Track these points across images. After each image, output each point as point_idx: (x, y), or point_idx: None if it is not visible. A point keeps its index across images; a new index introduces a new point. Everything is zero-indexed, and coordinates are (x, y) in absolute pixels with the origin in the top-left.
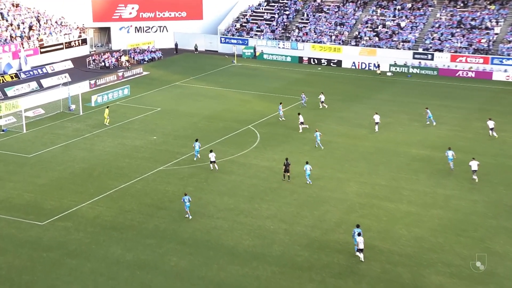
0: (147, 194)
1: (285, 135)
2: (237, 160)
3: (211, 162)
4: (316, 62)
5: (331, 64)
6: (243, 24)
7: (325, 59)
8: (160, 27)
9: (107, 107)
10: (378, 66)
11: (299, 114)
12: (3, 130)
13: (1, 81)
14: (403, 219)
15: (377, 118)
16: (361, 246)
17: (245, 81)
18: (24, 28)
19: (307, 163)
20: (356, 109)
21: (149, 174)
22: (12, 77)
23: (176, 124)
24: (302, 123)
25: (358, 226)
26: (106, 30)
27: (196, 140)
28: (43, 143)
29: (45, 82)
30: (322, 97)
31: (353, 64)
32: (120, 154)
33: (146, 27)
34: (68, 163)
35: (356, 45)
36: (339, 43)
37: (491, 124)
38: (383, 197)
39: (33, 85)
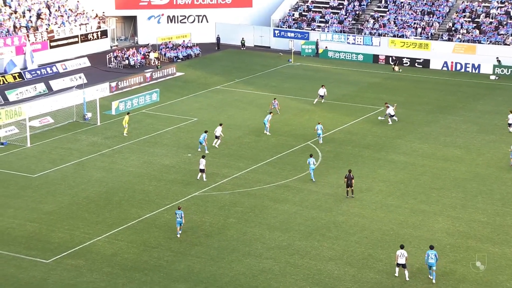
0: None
1: (353, 154)
2: (292, 185)
3: (200, 170)
4: (396, 61)
5: (416, 64)
6: (303, 13)
7: (407, 58)
8: (198, 16)
9: (128, 113)
10: (396, 62)
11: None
12: (2, 144)
13: (2, 82)
14: (511, 267)
15: None
16: (402, 261)
17: (304, 86)
18: (30, 16)
19: (311, 156)
20: (447, 122)
21: (181, 201)
22: (15, 78)
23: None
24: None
25: (431, 248)
26: (132, 20)
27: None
28: (51, 160)
29: (55, 84)
30: (322, 91)
31: (445, 65)
32: (145, 175)
33: (181, 16)
34: (82, 186)
35: (449, 40)
36: (427, 37)
37: None
38: (483, 237)
39: (41, 87)
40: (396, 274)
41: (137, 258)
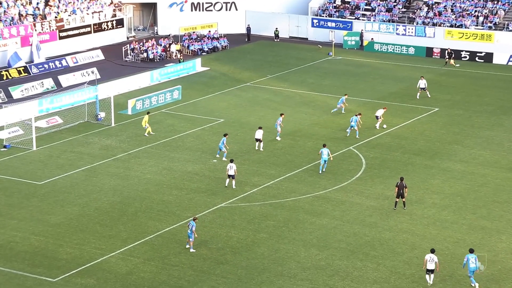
0: (203, 241)
1: (402, 161)
2: (332, 196)
3: (229, 176)
4: (453, 55)
5: (477, 58)
6: (346, 0)
7: (467, 51)
8: (226, 3)
9: (148, 112)
10: (450, 55)
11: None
12: (5, 147)
13: (5, 77)
14: None
15: None
16: (431, 266)
17: (347, 83)
18: (38, 3)
19: (324, 146)
20: None
21: (205, 213)
22: (20, 72)
23: (245, 142)
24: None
25: (471, 252)
26: (151, 8)
27: (225, 135)
28: (59, 166)
29: (65, 80)
30: (380, 112)
31: (511, 59)
32: (165, 183)
33: (206, 3)
34: (93, 195)
35: None
36: (490, 27)
37: None
38: None
39: (48, 83)
40: (430, 282)
41: (155, 278)
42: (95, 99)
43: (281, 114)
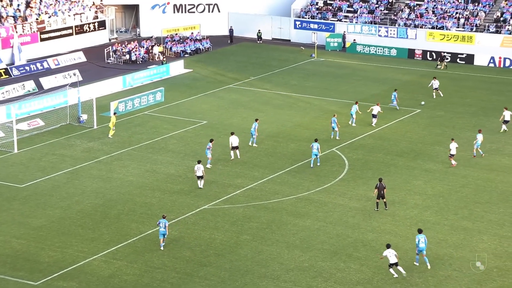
0: (185, 243)
1: (385, 163)
2: (315, 197)
3: (198, 177)
4: (434, 57)
5: (458, 60)
6: (328, 2)
7: (449, 53)
8: (209, 5)
9: (115, 113)
10: (443, 58)
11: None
12: None
13: None
14: None
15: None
16: (394, 260)
17: (329, 84)
18: (19, 5)
19: (315, 141)
20: (493, 127)
21: (188, 215)
22: (0, 74)
23: (228, 144)
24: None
25: (420, 232)
26: (133, 9)
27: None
28: (41, 168)
29: (46, 82)
30: (376, 109)
31: (492, 60)
32: (148, 185)
33: (189, 5)
34: (75, 198)
35: (497, 32)
36: (471, 29)
37: None
38: None
39: (30, 85)
40: (396, 275)
41: (138, 280)
42: (78, 101)
43: (256, 120)
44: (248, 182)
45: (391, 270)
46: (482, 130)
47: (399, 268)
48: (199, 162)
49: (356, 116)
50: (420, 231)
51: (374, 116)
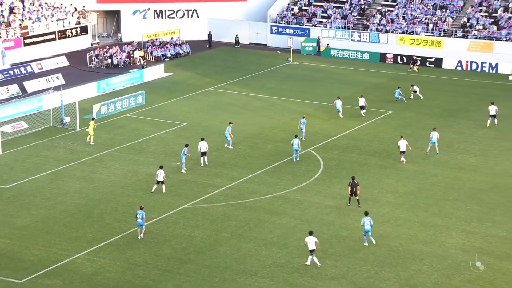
0: (166, 241)
1: (358, 162)
2: (291, 196)
3: (157, 182)
4: (405, 61)
5: (427, 63)
6: (303, 8)
7: (418, 56)
8: (188, 11)
9: (93, 118)
10: (414, 61)
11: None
12: None
13: None
14: None
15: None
16: (312, 246)
17: (304, 87)
18: (2, 11)
19: (296, 137)
20: (460, 127)
21: (169, 214)
22: None
23: (207, 145)
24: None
25: (366, 214)
26: (115, 15)
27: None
28: (25, 170)
29: (30, 86)
30: (362, 100)
31: (459, 64)
32: (130, 185)
33: (169, 10)
34: (59, 198)
35: (464, 36)
36: (439, 34)
37: None
38: (502, 254)
39: (13, 89)
40: (308, 263)
41: (120, 277)
42: (61, 104)
43: (230, 123)
44: (226, 182)
45: (309, 257)
46: (437, 128)
47: (314, 257)
48: (161, 167)
49: (343, 110)
50: (366, 214)
51: (362, 107)
